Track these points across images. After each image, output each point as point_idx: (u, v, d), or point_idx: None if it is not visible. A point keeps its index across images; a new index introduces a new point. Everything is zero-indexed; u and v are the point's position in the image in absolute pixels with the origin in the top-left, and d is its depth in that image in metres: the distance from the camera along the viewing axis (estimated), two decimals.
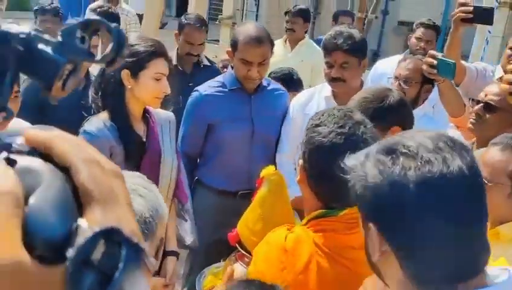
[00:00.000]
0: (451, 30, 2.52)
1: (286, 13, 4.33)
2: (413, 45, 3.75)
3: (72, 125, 1.99)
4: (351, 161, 0.88)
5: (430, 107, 2.55)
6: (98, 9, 4.34)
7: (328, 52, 2.30)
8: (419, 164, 0.78)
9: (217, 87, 2.39)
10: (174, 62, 2.84)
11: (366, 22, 7.03)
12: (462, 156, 0.80)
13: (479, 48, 4.69)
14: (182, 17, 3.36)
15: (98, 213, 0.37)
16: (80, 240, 0.34)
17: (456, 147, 0.82)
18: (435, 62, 2.24)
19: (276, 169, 2.47)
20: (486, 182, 1.40)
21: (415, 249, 0.80)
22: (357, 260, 1.17)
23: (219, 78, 2.44)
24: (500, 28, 4.70)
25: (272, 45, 2.33)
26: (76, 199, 0.38)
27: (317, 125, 1.32)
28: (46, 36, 0.53)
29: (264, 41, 2.26)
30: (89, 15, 5.11)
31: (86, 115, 2.01)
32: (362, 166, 0.83)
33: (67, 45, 0.53)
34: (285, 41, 4.27)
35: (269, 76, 3.24)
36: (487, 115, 2.03)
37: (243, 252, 1.62)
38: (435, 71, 2.25)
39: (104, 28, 0.57)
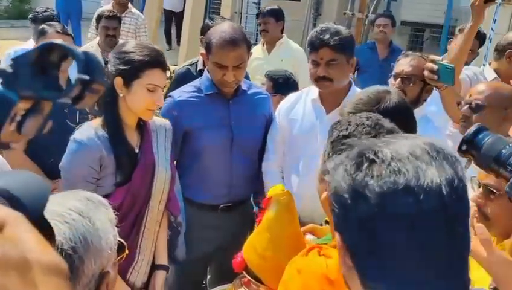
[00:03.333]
0: (472, 19, 2.36)
1: (257, 15, 4.36)
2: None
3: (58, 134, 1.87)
4: (330, 163, 0.79)
5: (428, 108, 2.38)
6: (103, 14, 4.24)
7: (315, 49, 2.14)
8: (384, 172, 0.67)
9: (192, 92, 2.22)
10: None
11: (366, 22, 6.83)
12: (442, 167, 0.67)
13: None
14: None
15: None
16: None
17: (439, 156, 0.68)
18: (435, 67, 2.11)
19: (262, 180, 2.33)
20: (494, 190, 1.33)
21: (374, 269, 0.70)
22: None
23: (195, 83, 2.27)
24: (504, 25, 4.52)
25: (249, 46, 2.16)
26: None
27: (346, 137, 1.18)
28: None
29: (239, 43, 2.08)
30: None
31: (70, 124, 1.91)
32: (334, 170, 0.75)
33: (21, 77, 0.42)
34: (263, 44, 4.29)
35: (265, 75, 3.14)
36: (474, 116, 1.95)
37: (250, 278, 1.50)
38: (436, 77, 2.14)
39: (69, 54, 0.47)
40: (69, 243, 0.86)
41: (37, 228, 0.54)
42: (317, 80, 2.16)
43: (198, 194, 2.30)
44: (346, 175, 0.71)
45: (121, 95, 1.81)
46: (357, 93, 1.79)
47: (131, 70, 1.78)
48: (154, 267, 2.00)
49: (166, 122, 2.05)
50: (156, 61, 1.80)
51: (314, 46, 2.14)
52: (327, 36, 2.10)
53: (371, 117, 1.24)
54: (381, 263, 0.69)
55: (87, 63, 0.46)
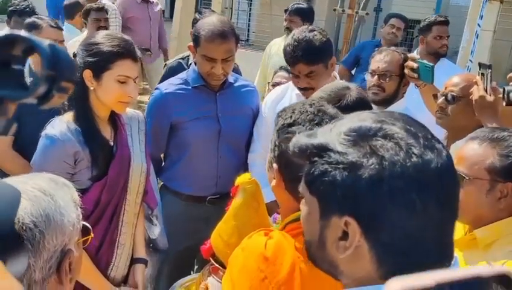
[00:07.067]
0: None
1: (285, 11, 4.15)
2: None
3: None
4: (313, 139, 0.77)
5: (406, 102, 2.41)
6: (91, 8, 4.18)
7: (291, 65, 2.14)
8: (418, 151, 0.71)
9: (179, 84, 2.23)
10: None
11: (356, 18, 6.86)
12: (443, 145, 0.75)
13: (468, 42, 4.54)
14: None
15: None
16: None
17: (434, 137, 0.76)
18: (415, 65, 2.15)
19: (249, 171, 2.35)
20: (464, 176, 1.38)
21: (402, 241, 0.71)
22: None
23: (181, 75, 2.28)
24: (491, 21, 4.55)
25: (237, 39, 2.16)
26: None
27: (291, 125, 1.20)
28: None
29: (228, 36, 2.08)
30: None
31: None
32: (341, 151, 0.72)
33: None
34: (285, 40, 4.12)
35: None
36: (450, 107, 1.99)
37: (217, 265, 1.51)
38: (416, 75, 2.18)
39: (33, 47, 0.40)
40: (30, 217, 0.88)
41: (6, 238, 0.46)
42: (300, 90, 2.17)
43: (185, 186, 2.31)
44: (387, 155, 0.70)
45: (91, 88, 1.75)
46: (318, 90, 1.77)
47: (100, 62, 1.72)
48: (132, 260, 1.98)
49: (139, 113, 2.02)
50: (126, 51, 1.74)
51: (290, 62, 2.13)
52: (300, 53, 2.07)
53: (314, 104, 1.25)
54: (408, 234, 0.70)
55: (54, 58, 0.40)
